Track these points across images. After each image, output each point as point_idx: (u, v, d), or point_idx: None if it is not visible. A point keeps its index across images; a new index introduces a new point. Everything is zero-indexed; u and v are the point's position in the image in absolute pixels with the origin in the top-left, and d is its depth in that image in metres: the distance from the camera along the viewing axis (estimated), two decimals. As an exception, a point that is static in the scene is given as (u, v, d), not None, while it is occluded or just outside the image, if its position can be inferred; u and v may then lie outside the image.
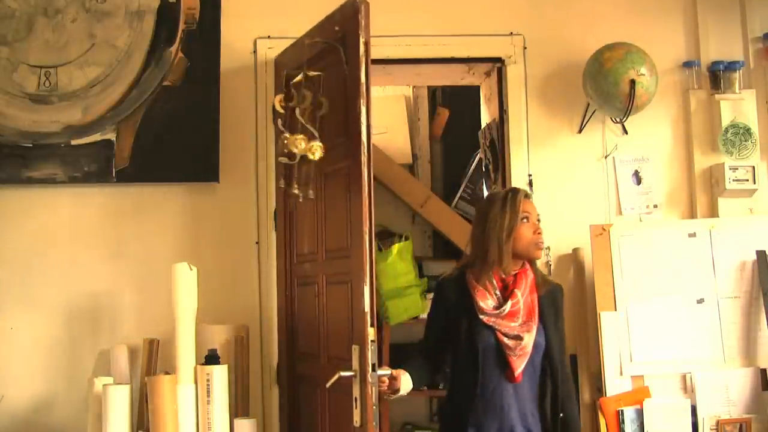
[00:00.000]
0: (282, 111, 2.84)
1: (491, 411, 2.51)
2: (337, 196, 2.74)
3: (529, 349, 2.50)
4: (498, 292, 2.57)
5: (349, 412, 2.50)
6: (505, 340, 2.50)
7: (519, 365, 2.49)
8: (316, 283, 2.90)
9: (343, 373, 2.48)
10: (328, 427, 2.79)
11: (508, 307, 2.52)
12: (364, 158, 2.53)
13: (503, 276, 2.58)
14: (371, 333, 2.43)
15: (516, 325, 2.52)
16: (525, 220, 2.58)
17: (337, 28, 2.71)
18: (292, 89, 2.83)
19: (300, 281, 3.09)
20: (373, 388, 2.41)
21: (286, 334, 3.14)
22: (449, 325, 2.60)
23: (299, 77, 2.81)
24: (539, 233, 2.59)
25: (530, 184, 3.26)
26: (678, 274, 3.01)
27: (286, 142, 2.73)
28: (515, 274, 2.59)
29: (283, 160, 2.85)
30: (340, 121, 2.70)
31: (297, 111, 2.79)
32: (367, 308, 2.45)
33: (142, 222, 3.24)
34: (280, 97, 2.86)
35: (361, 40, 2.56)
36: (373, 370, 2.43)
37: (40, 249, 3.22)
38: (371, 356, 2.43)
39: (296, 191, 2.80)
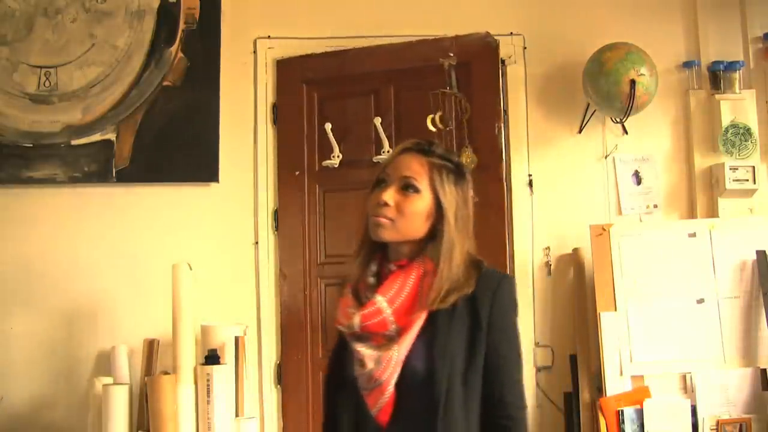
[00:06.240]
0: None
1: None
2: None
3: (384, 378, 1.70)
4: (369, 295, 1.78)
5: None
6: (356, 365, 1.76)
7: (373, 402, 1.72)
8: None
9: None
10: None
11: (356, 321, 1.74)
12: (503, 173, 3.10)
13: (388, 270, 1.81)
14: None
15: (375, 344, 1.74)
16: (381, 185, 1.80)
17: (451, 54, 3.05)
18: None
19: (333, 282, 3.20)
20: None
21: (295, 333, 3.22)
22: None
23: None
24: (382, 205, 1.75)
25: (530, 184, 3.26)
26: (678, 274, 3.01)
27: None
28: (398, 268, 1.80)
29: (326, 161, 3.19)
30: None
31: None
32: None
33: (142, 222, 3.25)
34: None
35: (501, 74, 3.16)
36: None
37: (40, 249, 3.22)
38: None
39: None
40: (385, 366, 1.71)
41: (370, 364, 1.71)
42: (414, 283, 1.75)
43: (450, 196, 1.78)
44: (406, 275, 1.76)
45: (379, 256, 1.83)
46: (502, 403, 1.73)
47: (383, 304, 1.74)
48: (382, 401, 1.71)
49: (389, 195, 1.75)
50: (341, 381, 1.81)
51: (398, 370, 1.71)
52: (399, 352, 1.71)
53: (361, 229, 1.82)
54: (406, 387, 1.71)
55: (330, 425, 1.85)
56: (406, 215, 1.75)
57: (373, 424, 1.73)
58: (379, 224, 1.75)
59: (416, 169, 1.78)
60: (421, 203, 1.76)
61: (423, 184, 1.77)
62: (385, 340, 1.73)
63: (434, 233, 1.77)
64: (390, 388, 1.71)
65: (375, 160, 3.13)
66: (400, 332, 1.72)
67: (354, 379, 1.75)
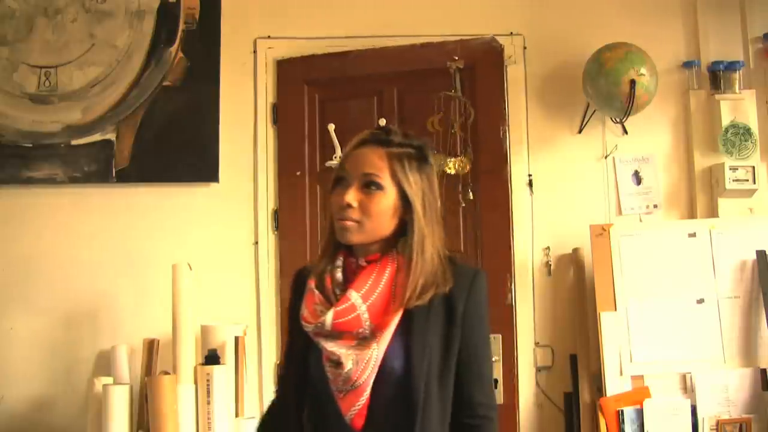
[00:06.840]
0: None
1: None
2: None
3: (362, 379, 1.60)
4: (338, 292, 1.68)
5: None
6: (327, 366, 1.64)
7: (348, 406, 1.61)
8: None
9: None
10: None
11: (329, 318, 1.62)
12: (507, 174, 3.16)
13: (355, 265, 1.72)
14: None
15: (346, 344, 1.63)
16: (341, 183, 1.71)
17: (456, 57, 3.08)
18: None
19: None
20: None
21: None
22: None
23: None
24: (345, 207, 1.66)
25: (530, 184, 3.26)
26: (678, 274, 3.01)
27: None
28: (367, 263, 1.70)
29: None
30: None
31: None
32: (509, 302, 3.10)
33: (141, 222, 3.25)
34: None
35: (505, 78, 3.21)
36: None
37: (40, 249, 3.22)
38: None
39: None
40: (364, 367, 1.60)
41: (348, 365, 1.60)
42: (388, 278, 1.66)
43: (415, 185, 1.68)
44: (380, 270, 1.67)
45: (344, 252, 1.72)
46: (472, 402, 1.68)
47: (358, 301, 1.63)
48: (358, 405, 1.61)
49: (352, 196, 1.66)
50: (305, 385, 1.71)
51: (376, 370, 1.61)
52: (378, 351, 1.61)
53: (327, 231, 1.74)
54: (381, 388, 1.62)
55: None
56: (372, 215, 1.66)
57: (346, 429, 1.62)
58: (345, 228, 1.66)
59: (376, 163, 1.67)
60: (386, 200, 1.67)
61: (385, 179, 1.67)
62: (356, 339, 1.63)
63: (403, 227, 1.68)
64: (368, 390, 1.61)
65: None
66: (375, 331, 1.62)
67: (322, 383, 1.65)
